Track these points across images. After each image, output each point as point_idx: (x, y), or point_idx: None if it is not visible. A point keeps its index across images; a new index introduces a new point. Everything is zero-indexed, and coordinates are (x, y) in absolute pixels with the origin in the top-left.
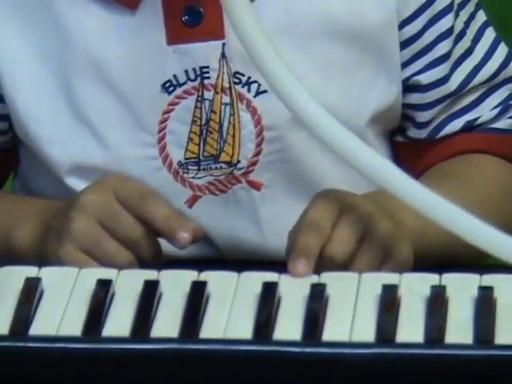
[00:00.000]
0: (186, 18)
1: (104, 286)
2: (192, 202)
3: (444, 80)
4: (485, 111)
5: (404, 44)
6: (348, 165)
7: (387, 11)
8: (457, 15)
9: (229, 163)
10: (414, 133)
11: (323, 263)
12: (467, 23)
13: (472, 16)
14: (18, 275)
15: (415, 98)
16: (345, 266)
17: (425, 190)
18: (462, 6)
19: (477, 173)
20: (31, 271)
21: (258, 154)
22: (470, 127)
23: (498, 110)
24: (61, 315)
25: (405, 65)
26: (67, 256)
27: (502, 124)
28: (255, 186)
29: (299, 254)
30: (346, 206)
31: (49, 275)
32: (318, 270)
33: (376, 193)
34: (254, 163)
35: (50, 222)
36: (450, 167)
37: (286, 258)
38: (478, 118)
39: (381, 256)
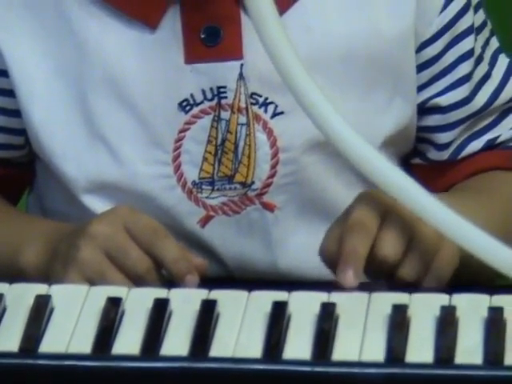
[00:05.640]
0: (205, 37)
1: (114, 303)
2: (205, 221)
3: (466, 101)
4: (504, 130)
5: (423, 66)
6: (374, 184)
7: (404, 27)
8: (475, 39)
9: (243, 184)
10: (434, 155)
11: (374, 264)
12: (483, 48)
13: (487, 41)
14: (28, 292)
15: (435, 120)
16: (394, 267)
17: (443, 207)
18: (478, 31)
19: (500, 189)
20: (41, 288)
21: (272, 175)
22: (490, 146)
23: None
24: (71, 333)
25: (423, 87)
26: (70, 284)
27: None
28: (269, 207)
29: (347, 261)
30: (390, 208)
31: (59, 293)
32: (366, 271)
33: None
34: (269, 185)
35: (57, 247)
36: (472, 184)
37: (333, 271)
38: (499, 136)
39: (426, 257)
